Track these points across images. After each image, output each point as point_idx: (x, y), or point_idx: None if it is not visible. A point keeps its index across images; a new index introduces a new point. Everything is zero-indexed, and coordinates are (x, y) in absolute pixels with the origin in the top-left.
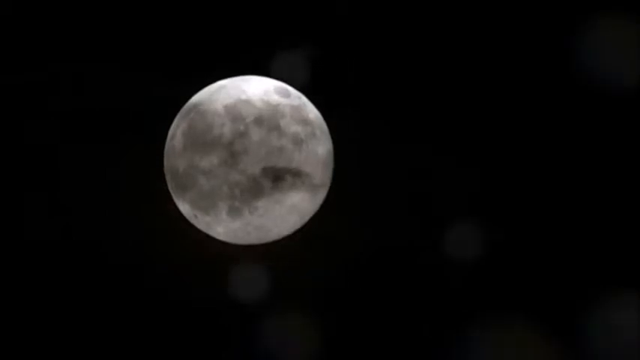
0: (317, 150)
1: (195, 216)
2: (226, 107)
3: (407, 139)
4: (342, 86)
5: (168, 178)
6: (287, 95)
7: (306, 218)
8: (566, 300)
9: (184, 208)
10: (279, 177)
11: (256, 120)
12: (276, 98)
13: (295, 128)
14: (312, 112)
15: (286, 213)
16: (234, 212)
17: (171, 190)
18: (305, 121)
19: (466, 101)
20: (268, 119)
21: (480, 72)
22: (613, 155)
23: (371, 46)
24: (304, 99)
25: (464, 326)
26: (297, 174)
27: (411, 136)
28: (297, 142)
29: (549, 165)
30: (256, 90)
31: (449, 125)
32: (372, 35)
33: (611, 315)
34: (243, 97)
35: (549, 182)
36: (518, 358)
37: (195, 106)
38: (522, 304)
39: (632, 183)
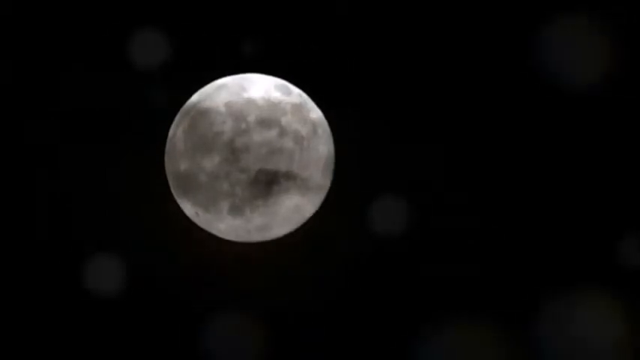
0: (318, 148)
1: (197, 214)
2: (227, 105)
3: (407, 139)
4: (342, 86)
5: (169, 176)
6: (288, 93)
7: (307, 218)
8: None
9: (186, 206)
10: (272, 181)
11: (257, 118)
12: (277, 96)
13: (296, 126)
14: (313, 110)
15: (287, 212)
16: (235, 210)
17: (172, 189)
18: (306, 120)
19: (466, 101)
20: (269, 117)
21: (481, 72)
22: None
23: (371, 46)
24: (305, 96)
25: (464, 326)
26: (291, 177)
27: (411, 136)
28: (298, 140)
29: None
30: (257, 88)
31: (449, 125)
32: (372, 35)
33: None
34: (245, 95)
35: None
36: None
37: (196, 104)
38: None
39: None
